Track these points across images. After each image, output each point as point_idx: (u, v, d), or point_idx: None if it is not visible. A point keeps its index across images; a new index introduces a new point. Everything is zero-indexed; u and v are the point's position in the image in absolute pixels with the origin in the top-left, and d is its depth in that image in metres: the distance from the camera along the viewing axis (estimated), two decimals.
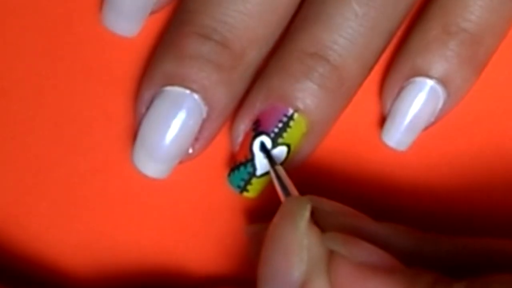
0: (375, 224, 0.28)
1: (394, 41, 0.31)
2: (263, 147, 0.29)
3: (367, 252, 0.26)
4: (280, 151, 0.30)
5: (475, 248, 0.27)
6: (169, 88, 0.29)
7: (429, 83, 0.30)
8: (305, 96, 0.29)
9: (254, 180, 0.30)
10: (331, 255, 0.26)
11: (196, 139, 0.30)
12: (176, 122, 0.29)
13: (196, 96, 0.29)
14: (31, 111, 0.31)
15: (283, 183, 0.29)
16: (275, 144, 0.29)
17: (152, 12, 0.30)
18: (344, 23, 0.29)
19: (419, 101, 0.30)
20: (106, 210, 0.31)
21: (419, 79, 0.30)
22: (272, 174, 0.29)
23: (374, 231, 0.27)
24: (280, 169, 0.29)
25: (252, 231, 0.30)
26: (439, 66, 0.30)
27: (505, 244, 0.27)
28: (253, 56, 0.29)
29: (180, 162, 0.30)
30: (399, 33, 0.31)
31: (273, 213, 0.29)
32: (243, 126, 0.30)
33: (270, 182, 0.30)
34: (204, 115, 0.29)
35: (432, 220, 0.31)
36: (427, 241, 0.28)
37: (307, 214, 0.26)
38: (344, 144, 0.31)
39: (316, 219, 0.27)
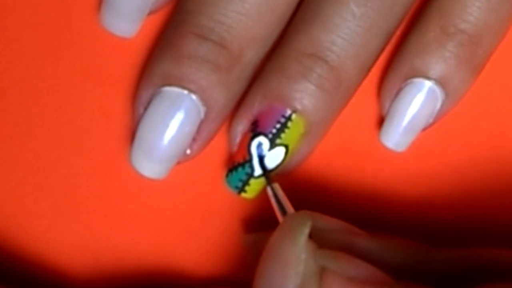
0: (368, 239, 0.28)
1: (393, 42, 0.31)
2: (261, 163, 0.29)
3: (357, 267, 0.26)
4: (278, 152, 0.29)
5: (467, 259, 0.28)
6: (167, 88, 0.29)
7: (428, 84, 0.30)
8: (303, 97, 0.29)
9: (252, 181, 0.30)
10: (323, 270, 0.26)
11: (194, 139, 0.30)
12: (174, 123, 0.29)
13: (194, 96, 0.29)
14: (30, 111, 0.31)
15: (280, 200, 0.29)
16: (273, 145, 0.29)
17: (151, 13, 0.30)
18: (342, 23, 0.29)
19: (418, 102, 0.30)
20: (105, 210, 0.31)
21: (418, 80, 0.30)
22: (269, 192, 0.29)
23: (367, 246, 0.28)
24: (276, 186, 0.29)
25: (250, 240, 0.30)
26: (437, 67, 0.30)
27: (498, 254, 0.27)
28: (251, 56, 0.29)
29: (178, 163, 0.30)
30: (397, 34, 0.31)
31: (270, 214, 0.29)
32: (241, 126, 0.30)
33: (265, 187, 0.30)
34: (202, 115, 0.29)
35: (430, 220, 0.31)
36: (420, 255, 0.28)
37: (307, 230, 0.26)
38: (342, 145, 0.31)
39: (311, 235, 0.27)
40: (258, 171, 0.30)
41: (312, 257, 0.26)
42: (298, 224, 0.27)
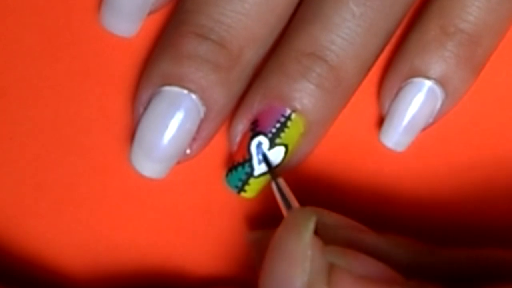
0: (375, 236, 0.28)
1: (393, 41, 0.31)
2: (265, 159, 0.29)
3: (367, 265, 0.26)
4: (277, 152, 0.29)
5: (475, 259, 0.27)
6: (166, 88, 0.29)
7: (427, 83, 0.30)
8: (302, 96, 0.29)
9: (251, 181, 0.30)
10: (332, 267, 0.26)
11: (194, 139, 0.30)
12: (173, 122, 0.29)
13: (193, 96, 0.29)
14: (30, 111, 0.31)
15: (285, 195, 0.29)
16: (272, 144, 0.29)
17: (151, 13, 0.30)
18: (341, 23, 0.29)
19: (417, 101, 0.30)
20: (105, 210, 0.31)
21: (417, 80, 0.30)
22: (274, 187, 0.29)
23: (375, 244, 0.27)
24: (281, 181, 0.29)
25: (254, 237, 0.30)
26: (437, 66, 0.30)
27: (505, 255, 0.27)
28: (251, 56, 0.29)
29: (178, 163, 0.30)
30: (397, 34, 0.31)
31: (270, 213, 0.29)
32: (241, 126, 0.30)
33: (268, 183, 0.30)
34: (202, 115, 0.29)
35: (430, 220, 0.31)
36: (427, 253, 0.28)
37: (312, 225, 0.26)
38: (342, 145, 0.31)
39: (318, 232, 0.27)
40: (257, 170, 0.30)
41: (320, 253, 0.26)
42: (302, 220, 0.26)
